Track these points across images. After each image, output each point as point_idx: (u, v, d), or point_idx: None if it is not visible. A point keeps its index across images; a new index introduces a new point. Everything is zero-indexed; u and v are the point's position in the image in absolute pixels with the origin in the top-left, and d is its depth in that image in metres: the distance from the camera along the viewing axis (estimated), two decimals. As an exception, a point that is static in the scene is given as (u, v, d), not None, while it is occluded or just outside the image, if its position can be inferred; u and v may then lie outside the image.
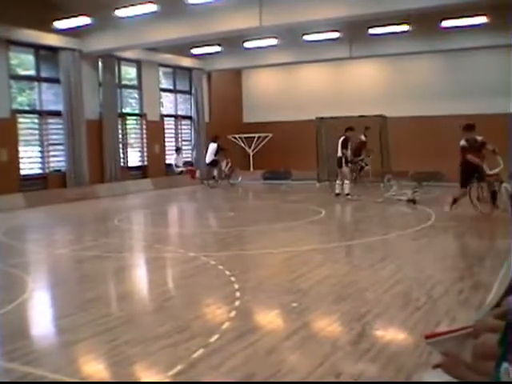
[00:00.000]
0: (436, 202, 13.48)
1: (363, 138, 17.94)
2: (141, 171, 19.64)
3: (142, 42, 15.97)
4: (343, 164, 15.05)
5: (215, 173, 19.70)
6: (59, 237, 11.11)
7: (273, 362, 4.16)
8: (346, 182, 15.11)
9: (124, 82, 19.30)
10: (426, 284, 6.28)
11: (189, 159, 21.67)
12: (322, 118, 20.57)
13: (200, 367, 4.11)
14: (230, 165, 20.39)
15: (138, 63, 19.40)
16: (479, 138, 11.13)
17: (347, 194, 14.91)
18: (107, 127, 17.83)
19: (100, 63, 17.73)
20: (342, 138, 15.23)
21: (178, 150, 20.26)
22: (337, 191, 15.34)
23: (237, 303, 5.69)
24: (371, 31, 16.77)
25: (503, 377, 1.76)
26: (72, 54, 16.30)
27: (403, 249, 8.71)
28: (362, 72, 21.13)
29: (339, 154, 15.13)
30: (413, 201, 13.61)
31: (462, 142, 11.15)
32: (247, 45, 18.65)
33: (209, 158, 19.50)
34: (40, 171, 16.30)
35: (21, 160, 15.51)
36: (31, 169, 16.15)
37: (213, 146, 19.41)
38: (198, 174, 20.53)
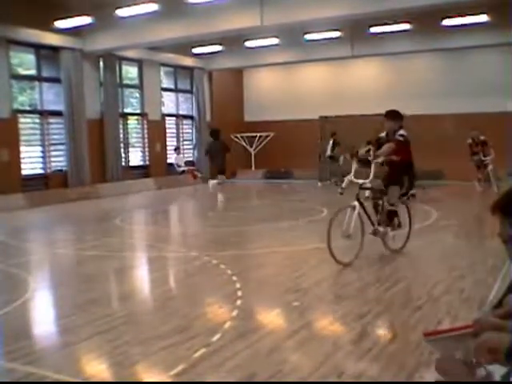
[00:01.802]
0: (436, 200, 13.48)
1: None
2: (142, 171, 19.64)
3: (143, 41, 15.97)
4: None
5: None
6: (61, 237, 11.12)
7: (274, 362, 4.16)
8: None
9: (125, 82, 19.30)
10: (426, 283, 6.28)
11: (190, 159, 21.66)
12: (325, 117, 20.59)
13: (201, 367, 4.11)
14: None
15: (139, 62, 19.40)
16: (482, 137, 14.20)
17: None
18: (108, 127, 17.83)
19: (101, 63, 17.73)
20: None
21: (176, 149, 20.22)
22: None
23: (238, 302, 5.69)
24: (372, 30, 16.77)
25: None
26: (73, 53, 16.30)
27: (404, 247, 8.69)
28: (363, 71, 21.11)
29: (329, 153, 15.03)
30: (412, 195, 13.71)
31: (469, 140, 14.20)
32: (248, 44, 18.64)
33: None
34: (41, 171, 16.31)
35: (22, 160, 15.52)
36: (32, 169, 16.16)
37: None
38: (199, 174, 20.52)
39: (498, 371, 1.94)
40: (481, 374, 1.96)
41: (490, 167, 14.64)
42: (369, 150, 7.27)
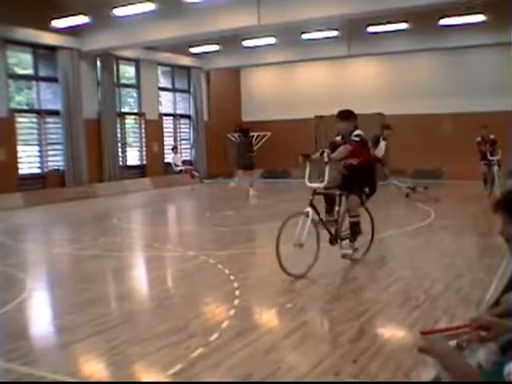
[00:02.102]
0: (435, 199, 13.48)
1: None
2: (140, 170, 19.64)
3: (141, 40, 15.96)
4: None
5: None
6: (58, 236, 11.10)
7: (272, 361, 4.16)
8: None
9: (122, 81, 19.29)
10: (424, 282, 6.28)
11: (188, 158, 21.65)
12: (321, 117, 20.61)
13: (199, 366, 4.10)
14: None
15: (136, 62, 19.39)
16: (492, 136, 13.70)
17: None
18: (106, 126, 17.82)
19: (98, 62, 17.72)
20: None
21: (174, 148, 20.21)
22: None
23: (236, 302, 5.69)
24: (370, 29, 16.78)
25: (509, 378, 1.75)
26: (70, 53, 16.29)
27: (402, 247, 8.71)
28: (360, 70, 21.12)
29: (382, 155, 13.86)
30: (413, 188, 13.77)
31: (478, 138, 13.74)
32: (246, 43, 18.65)
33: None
34: (38, 170, 16.29)
35: (19, 159, 15.51)
36: (30, 168, 16.14)
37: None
38: (196, 173, 20.52)
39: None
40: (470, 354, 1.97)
41: (496, 168, 13.81)
42: (322, 153, 6.72)
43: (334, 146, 7.23)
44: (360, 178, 7.06)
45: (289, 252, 6.62)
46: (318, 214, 6.93)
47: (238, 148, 15.92)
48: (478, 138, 14.05)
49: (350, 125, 7.08)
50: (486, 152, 13.90)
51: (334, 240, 7.11)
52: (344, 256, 7.16)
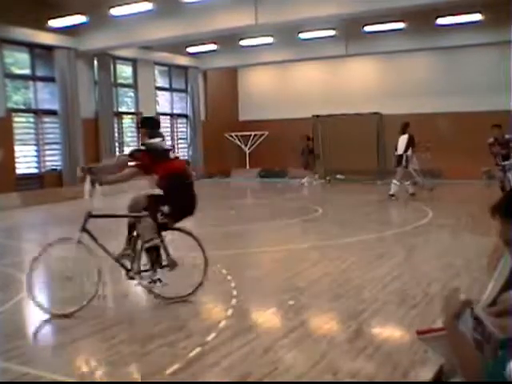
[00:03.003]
0: (433, 198, 13.51)
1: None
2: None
3: (138, 40, 15.93)
4: (403, 163, 13.83)
5: None
6: (55, 236, 11.04)
7: (269, 361, 4.16)
8: (396, 182, 13.90)
9: (120, 81, 19.25)
10: (422, 281, 6.29)
11: (185, 157, 21.63)
12: (317, 116, 20.63)
13: (197, 366, 4.11)
14: None
15: (133, 62, 19.35)
16: (507, 136, 12.00)
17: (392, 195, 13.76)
18: (103, 126, 17.79)
19: (95, 62, 17.67)
20: (406, 136, 13.90)
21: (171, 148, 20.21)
22: (411, 191, 14.12)
23: (233, 302, 5.69)
24: (367, 29, 16.79)
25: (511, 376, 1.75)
26: (67, 52, 16.25)
27: (400, 246, 8.71)
28: (357, 70, 21.12)
29: (400, 152, 13.91)
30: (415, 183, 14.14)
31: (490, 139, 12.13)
32: (243, 43, 18.64)
33: None
34: (36, 170, 16.25)
35: (17, 159, 15.48)
36: (27, 168, 16.10)
37: None
38: (194, 173, 20.50)
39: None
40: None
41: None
42: (90, 170, 5.79)
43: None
44: (164, 196, 5.76)
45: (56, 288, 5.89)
46: (96, 239, 5.95)
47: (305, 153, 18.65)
48: (491, 139, 12.35)
49: (144, 133, 5.98)
50: (497, 154, 12.18)
51: (131, 273, 5.83)
52: (146, 288, 5.88)
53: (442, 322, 1.98)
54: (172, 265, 5.83)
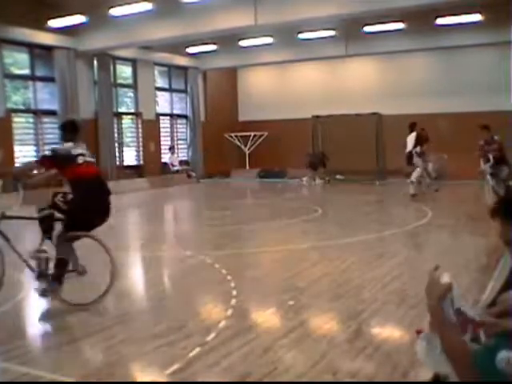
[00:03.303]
0: (433, 199, 13.51)
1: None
2: (136, 170, 19.60)
3: (137, 40, 15.94)
4: (414, 160, 14.08)
5: None
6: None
7: (269, 361, 4.16)
8: (413, 180, 13.99)
9: (119, 81, 19.25)
10: (422, 281, 6.22)
11: (184, 158, 21.64)
12: (317, 117, 20.63)
13: (196, 366, 4.10)
14: None
15: (133, 62, 19.35)
16: (496, 137, 12.05)
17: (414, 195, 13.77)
18: (103, 126, 17.78)
19: (95, 62, 17.68)
20: (414, 134, 14.24)
21: (171, 148, 20.23)
22: (412, 191, 13.95)
23: (233, 302, 5.68)
24: (366, 29, 16.79)
25: (502, 365, 1.76)
26: (67, 52, 16.25)
27: (400, 246, 8.72)
28: (357, 70, 21.12)
29: (409, 149, 14.16)
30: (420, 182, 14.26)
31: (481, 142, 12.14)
32: (242, 43, 18.64)
33: None
34: (35, 171, 16.21)
35: (16, 159, 15.46)
36: (26, 168, 16.08)
37: None
38: (193, 173, 20.53)
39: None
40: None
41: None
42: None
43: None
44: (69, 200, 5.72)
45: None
46: (11, 243, 6.07)
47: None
48: (481, 142, 12.20)
49: (61, 137, 5.99)
50: (485, 155, 11.97)
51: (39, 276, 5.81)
52: (57, 296, 5.67)
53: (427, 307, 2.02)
54: (81, 271, 5.93)
